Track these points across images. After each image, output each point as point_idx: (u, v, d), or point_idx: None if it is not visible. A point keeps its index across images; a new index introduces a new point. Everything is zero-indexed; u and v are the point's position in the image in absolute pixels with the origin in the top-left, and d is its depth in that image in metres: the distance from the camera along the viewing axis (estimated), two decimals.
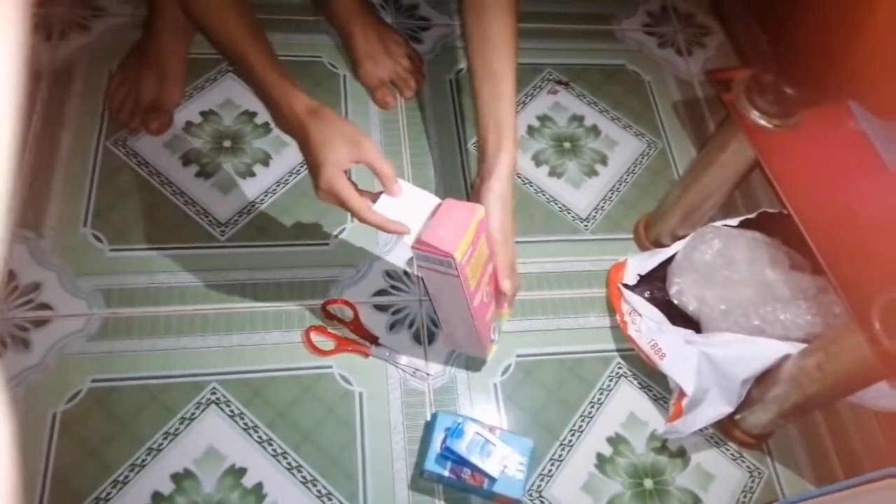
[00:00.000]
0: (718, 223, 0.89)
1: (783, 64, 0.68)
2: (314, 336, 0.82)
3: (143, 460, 0.73)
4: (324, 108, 0.71)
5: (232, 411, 0.77)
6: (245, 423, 0.76)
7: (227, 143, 0.95)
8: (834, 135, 0.76)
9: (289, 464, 0.75)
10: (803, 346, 0.74)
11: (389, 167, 0.69)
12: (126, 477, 0.72)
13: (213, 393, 0.77)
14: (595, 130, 1.06)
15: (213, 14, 0.77)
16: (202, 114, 0.97)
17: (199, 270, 0.85)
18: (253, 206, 0.90)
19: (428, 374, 0.82)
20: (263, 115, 0.98)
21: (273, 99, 0.74)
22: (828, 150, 0.75)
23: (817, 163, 0.74)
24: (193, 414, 0.76)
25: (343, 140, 0.68)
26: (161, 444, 0.74)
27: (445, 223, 0.65)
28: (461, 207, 0.67)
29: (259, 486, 0.73)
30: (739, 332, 0.79)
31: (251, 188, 0.92)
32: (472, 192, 0.77)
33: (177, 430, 0.75)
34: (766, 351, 0.75)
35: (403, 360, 0.82)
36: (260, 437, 0.76)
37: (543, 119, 1.06)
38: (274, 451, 0.75)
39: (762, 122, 0.74)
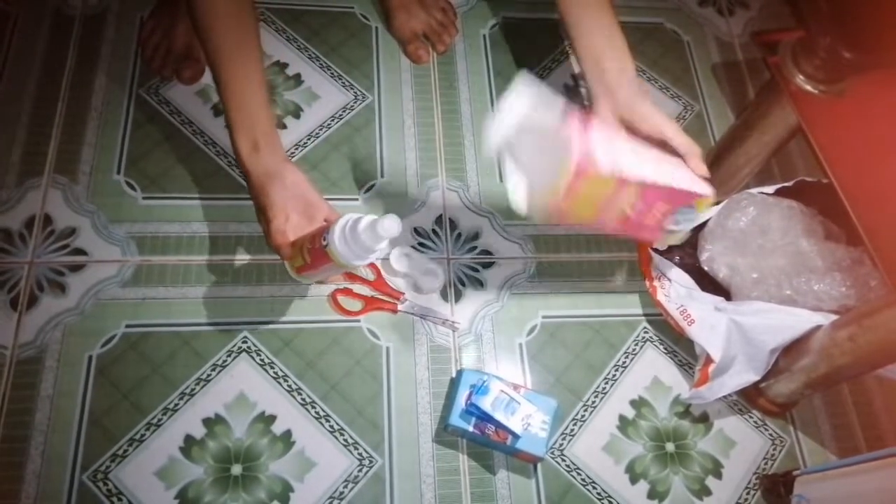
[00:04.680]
0: (754, 190, 0.87)
1: (842, 24, 0.66)
2: (341, 298, 0.82)
3: (176, 404, 0.75)
4: (284, 167, 0.71)
5: (262, 360, 0.78)
6: (275, 373, 0.78)
7: None
8: (882, 103, 0.74)
9: (317, 413, 0.76)
10: (835, 317, 0.73)
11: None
12: (159, 420, 0.74)
13: (244, 342, 0.79)
14: None
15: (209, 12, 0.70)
16: None
17: (230, 221, 0.85)
18: None
19: (456, 325, 0.83)
20: (295, 67, 0.97)
21: (230, 133, 0.72)
22: (874, 119, 0.73)
23: (863, 131, 0.72)
24: (225, 361, 0.78)
25: (297, 212, 0.71)
26: (193, 390, 0.76)
27: None
28: None
29: (288, 433, 0.75)
30: (771, 301, 0.78)
31: (282, 140, 0.91)
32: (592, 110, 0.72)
33: (208, 376, 0.77)
34: (797, 320, 0.74)
35: (431, 312, 0.82)
36: (289, 387, 0.77)
37: (579, 77, 1.04)
38: (302, 400, 0.77)
39: (807, 87, 0.72)
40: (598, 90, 0.71)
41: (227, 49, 0.70)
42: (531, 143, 0.61)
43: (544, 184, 0.62)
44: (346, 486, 0.74)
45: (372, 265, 0.85)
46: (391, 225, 0.61)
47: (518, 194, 0.63)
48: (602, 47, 0.71)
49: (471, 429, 0.74)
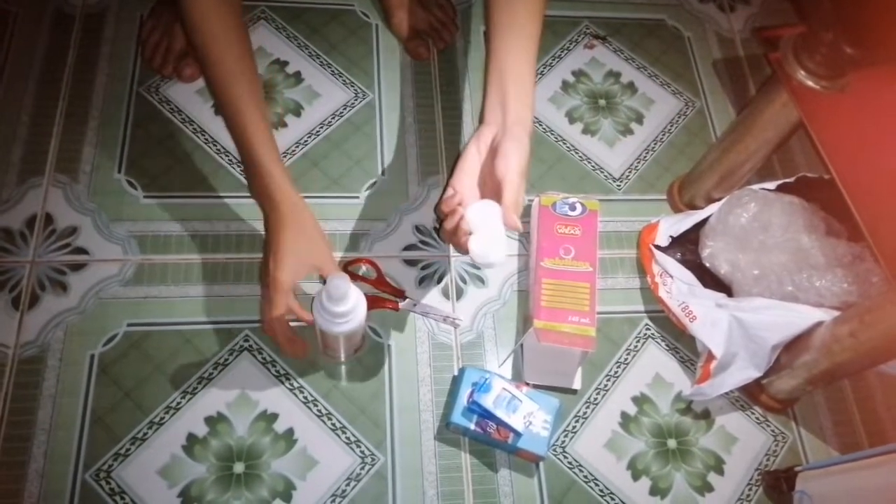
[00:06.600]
0: (755, 186, 0.87)
1: (844, 20, 0.66)
2: None
3: (178, 403, 0.75)
4: (304, 210, 0.72)
5: (264, 358, 0.78)
6: (276, 371, 0.78)
7: None
8: (884, 98, 0.73)
9: (318, 411, 0.76)
10: (836, 313, 0.73)
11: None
12: (162, 418, 0.74)
13: (246, 340, 0.79)
14: (631, 88, 1.04)
15: (209, 27, 0.70)
16: None
17: (231, 219, 0.85)
18: (284, 156, 0.90)
19: (458, 321, 0.83)
20: (295, 65, 0.97)
21: (256, 169, 0.71)
22: (876, 114, 0.73)
23: (865, 127, 0.72)
24: (226, 360, 0.78)
25: (309, 254, 0.72)
26: (195, 388, 0.76)
27: None
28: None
29: (290, 431, 0.75)
30: (772, 297, 0.78)
31: (283, 139, 0.91)
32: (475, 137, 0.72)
33: (210, 374, 0.77)
34: (798, 317, 0.74)
35: (433, 310, 0.82)
36: (291, 385, 0.77)
37: (579, 74, 1.03)
38: (305, 398, 0.77)
39: (809, 82, 0.72)
40: (491, 118, 0.71)
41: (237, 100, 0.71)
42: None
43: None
44: (348, 484, 0.74)
45: (371, 262, 0.84)
46: (338, 283, 0.64)
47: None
48: (513, 85, 0.71)
49: (472, 427, 0.74)
